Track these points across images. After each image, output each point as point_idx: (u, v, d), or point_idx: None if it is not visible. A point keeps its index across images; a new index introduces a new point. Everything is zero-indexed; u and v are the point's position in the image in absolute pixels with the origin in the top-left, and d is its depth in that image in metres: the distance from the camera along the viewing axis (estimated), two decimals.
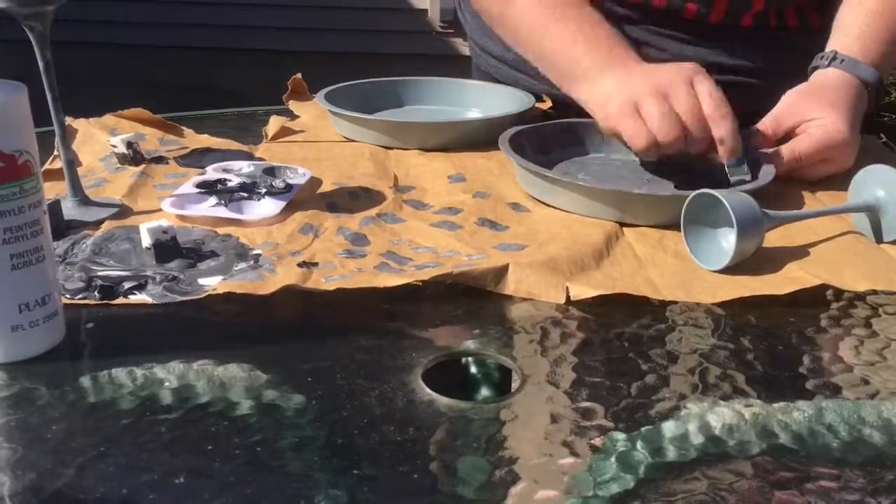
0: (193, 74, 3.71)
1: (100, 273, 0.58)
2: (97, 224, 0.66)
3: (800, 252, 0.63)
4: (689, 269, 0.61)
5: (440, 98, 0.99)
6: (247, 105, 1.03)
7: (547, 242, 0.64)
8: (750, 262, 0.61)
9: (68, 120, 0.89)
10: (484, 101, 0.97)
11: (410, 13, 3.46)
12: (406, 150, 0.86)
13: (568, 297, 0.56)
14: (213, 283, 0.57)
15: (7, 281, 0.47)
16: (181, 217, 0.67)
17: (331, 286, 0.56)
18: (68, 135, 0.71)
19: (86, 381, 0.47)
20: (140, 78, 3.59)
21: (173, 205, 0.68)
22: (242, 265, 0.60)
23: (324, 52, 3.53)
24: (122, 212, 0.69)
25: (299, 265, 0.59)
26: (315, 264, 0.60)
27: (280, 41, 3.74)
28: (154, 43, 3.89)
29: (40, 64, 0.64)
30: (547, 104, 0.97)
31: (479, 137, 0.86)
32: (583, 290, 0.57)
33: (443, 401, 0.46)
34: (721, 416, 0.45)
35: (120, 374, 0.48)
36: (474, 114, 0.96)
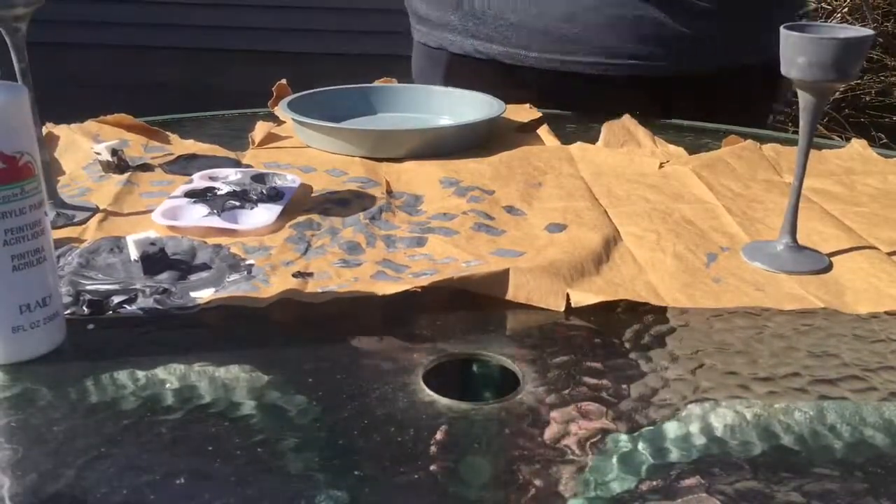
0: (195, 75, 3.71)
1: (88, 287, 0.57)
2: (75, 225, 0.66)
3: None
4: (689, 271, 0.61)
5: (406, 105, 0.97)
6: (250, 107, 1.03)
7: (545, 247, 0.64)
8: (752, 274, 0.61)
9: (49, 126, 0.88)
10: (453, 107, 0.95)
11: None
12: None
13: (568, 304, 0.56)
14: (205, 296, 0.56)
15: (8, 282, 0.47)
16: (171, 227, 0.66)
17: (328, 297, 0.56)
18: (45, 140, 0.70)
19: (87, 381, 0.47)
20: (141, 80, 3.59)
21: (164, 215, 0.67)
22: (235, 276, 0.59)
23: (329, 53, 3.54)
24: (109, 222, 0.68)
25: (294, 275, 0.59)
26: (310, 274, 0.59)
27: (283, 42, 3.75)
28: (154, 44, 3.90)
29: (17, 67, 0.63)
30: (533, 112, 0.98)
31: (452, 144, 0.85)
32: (584, 297, 0.56)
33: (444, 402, 0.46)
34: (723, 416, 0.45)
35: (121, 374, 0.48)
36: (445, 121, 0.94)
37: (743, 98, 1.02)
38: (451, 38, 1.06)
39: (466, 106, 0.94)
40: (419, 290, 0.56)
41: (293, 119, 0.87)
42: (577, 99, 1.01)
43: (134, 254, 0.60)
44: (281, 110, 0.90)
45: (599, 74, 0.99)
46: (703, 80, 0.99)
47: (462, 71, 1.07)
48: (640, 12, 0.96)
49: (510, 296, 0.57)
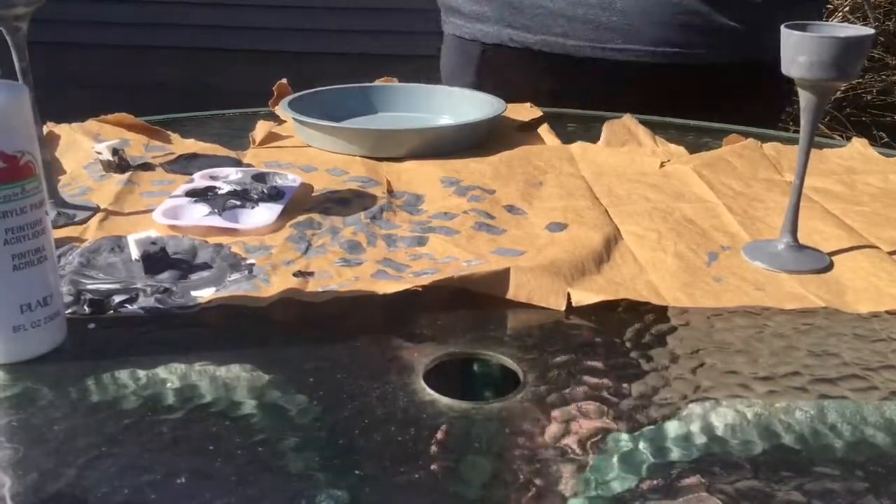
0: (195, 75, 3.71)
1: (89, 286, 0.57)
2: (76, 224, 0.66)
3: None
4: (690, 270, 0.61)
5: (406, 105, 0.97)
6: (251, 106, 1.03)
7: (546, 246, 0.64)
8: (753, 273, 0.61)
9: (50, 125, 0.88)
10: (453, 106, 0.95)
11: (414, 13, 3.48)
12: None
13: (569, 303, 0.56)
14: (206, 295, 0.56)
15: (9, 281, 0.47)
16: (172, 227, 0.66)
17: (328, 296, 0.56)
18: (46, 139, 0.70)
19: (88, 381, 0.47)
20: (142, 79, 3.59)
21: (165, 214, 0.67)
22: (236, 275, 0.59)
23: (329, 52, 3.54)
24: (109, 221, 0.68)
25: (295, 275, 0.59)
26: (311, 273, 0.59)
27: (284, 41, 3.75)
28: (155, 44, 3.90)
29: (17, 67, 0.63)
30: (534, 111, 0.98)
31: (452, 144, 0.85)
32: (585, 296, 0.56)
33: (444, 401, 0.46)
34: (723, 416, 0.45)
35: (122, 374, 0.48)
36: (445, 120, 0.93)
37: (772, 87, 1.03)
38: (486, 28, 1.08)
39: (467, 105, 0.94)
40: (420, 289, 0.56)
41: (294, 118, 0.87)
42: (611, 87, 1.02)
43: (135, 253, 0.60)
44: (282, 110, 0.90)
45: (636, 62, 1.00)
46: (743, 69, 1.00)
47: (495, 61, 1.08)
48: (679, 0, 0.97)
49: (511, 295, 0.57)
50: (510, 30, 1.05)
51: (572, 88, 1.02)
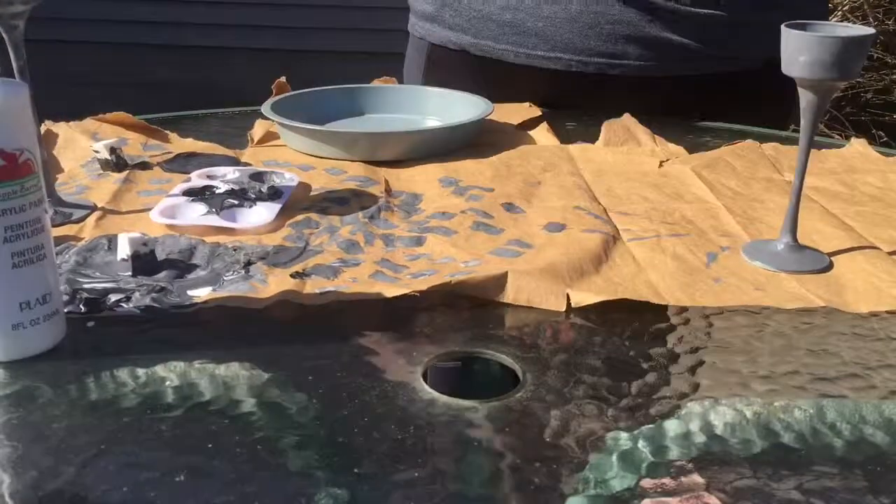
0: (194, 73, 3.71)
1: (85, 285, 0.57)
2: (73, 223, 0.66)
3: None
4: (689, 270, 0.61)
5: (395, 106, 0.96)
6: (249, 105, 1.03)
7: (544, 247, 0.64)
8: (752, 273, 0.61)
9: (48, 124, 0.88)
10: (441, 108, 0.94)
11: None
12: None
13: (569, 304, 0.56)
14: (202, 295, 0.56)
15: (8, 279, 0.47)
16: (169, 226, 0.66)
17: (326, 299, 0.56)
18: (43, 138, 0.69)
19: (87, 379, 0.47)
20: (142, 77, 3.59)
21: (162, 213, 0.67)
22: (232, 275, 0.59)
23: (328, 51, 3.53)
24: (106, 220, 0.68)
25: (292, 275, 0.59)
26: (308, 274, 0.59)
27: (284, 40, 3.76)
28: (154, 42, 3.90)
29: (14, 65, 0.63)
30: (533, 111, 0.98)
31: (441, 146, 0.85)
32: (584, 297, 0.56)
33: (443, 399, 0.46)
34: (722, 414, 0.45)
35: (121, 372, 0.48)
36: (432, 122, 0.93)
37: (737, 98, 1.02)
38: (430, 27, 1.07)
39: (455, 107, 0.93)
40: (418, 293, 0.56)
41: (279, 123, 0.86)
42: (546, 95, 1.02)
43: (122, 252, 0.59)
44: (268, 112, 0.87)
45: (565, 70, 0.99)
46: (683, 80, 0.99)
47: (440, 62, 1.08)
48: (602, 9, 0.96)
49: (510, 299, 0.57)
50: (449, 31, 1.04)
51: (505, 93, 1.00)
